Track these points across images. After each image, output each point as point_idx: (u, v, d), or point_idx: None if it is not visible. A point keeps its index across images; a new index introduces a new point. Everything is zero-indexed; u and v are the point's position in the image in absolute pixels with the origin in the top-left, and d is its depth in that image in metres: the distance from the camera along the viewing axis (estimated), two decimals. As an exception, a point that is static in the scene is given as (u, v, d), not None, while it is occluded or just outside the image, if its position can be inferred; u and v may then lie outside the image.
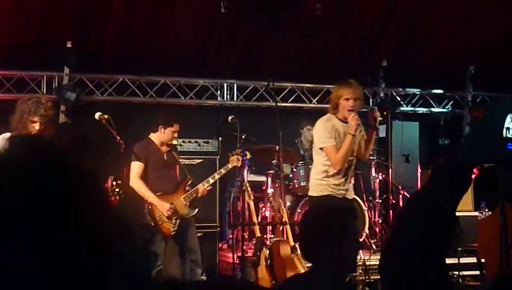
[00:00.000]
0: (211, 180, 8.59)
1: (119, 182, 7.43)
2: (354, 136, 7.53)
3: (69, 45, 10.80)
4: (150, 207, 8.19)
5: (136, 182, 8.21)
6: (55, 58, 10.92)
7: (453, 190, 2.14)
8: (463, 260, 9.68)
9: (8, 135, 7.52)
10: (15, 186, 1.46)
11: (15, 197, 1.44)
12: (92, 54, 11.26)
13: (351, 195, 7.98)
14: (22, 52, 10.82)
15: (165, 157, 8.49)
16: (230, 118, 8.84)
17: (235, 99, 12.29)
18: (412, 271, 2.13)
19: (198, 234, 9.01)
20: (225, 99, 12.23)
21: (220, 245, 10.45)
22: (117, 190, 7.42)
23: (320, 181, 7.76)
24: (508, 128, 2.06)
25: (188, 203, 8.41)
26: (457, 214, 8.18)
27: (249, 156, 9.05)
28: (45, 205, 1.43)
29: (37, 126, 7.35)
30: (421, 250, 2.11)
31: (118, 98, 11.64)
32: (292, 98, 12.46)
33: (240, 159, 8.66)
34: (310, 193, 8.01)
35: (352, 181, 8.10)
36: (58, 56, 10.91)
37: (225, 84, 12.25)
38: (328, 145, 7.60)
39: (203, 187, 8.65)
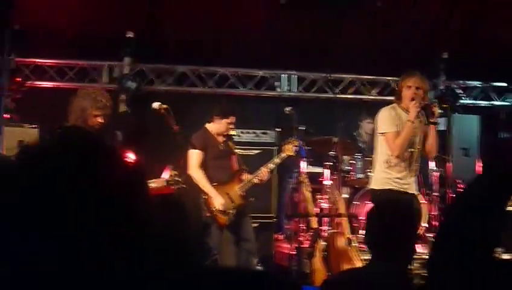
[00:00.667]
0: (265, 170, 8.58)
1: (176, 173, 7.48)
2: (413, 122, 7.54)
3: (129, 34, 10.91)
4: (206, 197, 8.23)
5: (195, 171, 8.26)
6: (117, 48, 11.05)
7: (503, 186, 2.13)
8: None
9: None
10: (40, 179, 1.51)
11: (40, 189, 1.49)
12: (153, 44, 11.36)
13: (413, 190, 7.91)
14: (83, 41, 10.97)
15: (221, 147, 8.53)
16: (287, 109, 8.83)
17: (294, 90, 12.27)
18: (462, 267, 2.13)
19: (255, 225, 9.04)
20: (284, 90, 12.23)
21: (277, 236, 10.47)
22: (176, 179, 7.48)
23: (382, 174, 7.76)
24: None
25: (243, 193, 8.43)
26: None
27: (296, 143, 8.97)
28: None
29: (100, 119, 7.37)
30: (470, 246, 2.11)
31: (178, 88, 11.74)
32: (352, 89, 12.40)
33: (294, 148, 8.62)
34: (372, 186, 8.03)
35: (415, 176, 8.00)
36: (119, 45, 11.04)
37: (284, 75, 12.24)
38: (389, 131, 7.64)
39: (265, 170, 8.63)
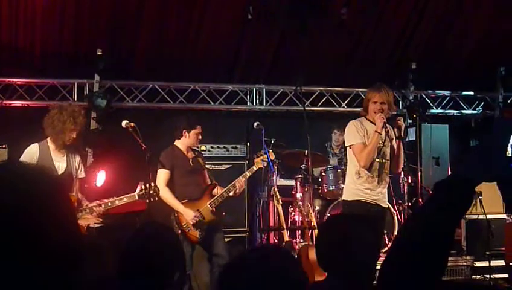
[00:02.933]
0: (237, 184, 8.57)
1: (151, 184, 7.55)
2: (380, 133, 7.64)
3: (99, 52, 10.92)
4: (176, 215, 8.22)
5: (162, 189, 8.24)
6: (86, 66, 11.06)
7: (453, 208, 2.14)
8: (493, 263, 9.69)
9: (35, 145, 7.67)
10: None
11: None
12: (122, 61, 11.38)
13: (384, 202, 7.98)
14: (53, 60, 10.97)
15: (191, 163, 8.50)
16: (255, 124, 8.85)
17: (264, 104, 12.33)
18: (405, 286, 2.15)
19: (228, 239, 9.04)
20: (254, 104, 12.28)
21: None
22: (149, 191, 7.55)
23: (352, 185, 7.85)
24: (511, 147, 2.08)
25: (214, 209, 8.42)
26: (489, 217, 8.21)
27: (273, 157, 9.01)
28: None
29: (74, 134, 7.62)
30: (413, 269, 2.13)
31: (148, 105, 11.75)
32: (321, 102, 12.47)
33: (263, 161, 8.64)
34: (343, 197, 8.10)
35: (386, 188, 8.03)
36: (88, 63, 11.04)
37: (254, 89, 12.30)
38: (355, 143, 7.76)
39: (242, 179, 8.62)
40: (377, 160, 7.78)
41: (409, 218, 2.29)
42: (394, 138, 7.83)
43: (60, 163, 7.72)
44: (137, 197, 7.79)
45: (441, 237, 2.14)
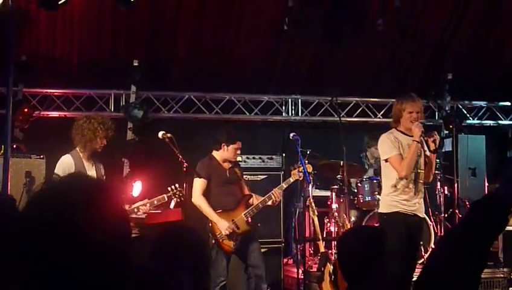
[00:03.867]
0: (273, 196, 8.57)
1: (177, 186, 7.65)
2: (419, 142, 7.60)
3: (135, 63, 10.99)
4: (211, 225, 8.24)
5: (198, 198, 8.28)
6: (123, 76, 11.13)
7: (489, 228, 2.14)
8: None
9: (68, 156, 7.74)
10: None
11: None
12: (158, 72, 11.44)
13: (422, 213, 7.98)
14: (90, 70, 11.07)
15: (228, 174, 8.52)
16: (291, 135, 8.84)
17: (299, 114, 12.34)
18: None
19: (263, 250, 9.03)
20: (290, 114, 12.30)
21: (286, 260, 10.47)
22: (178, 190, 7.65)
23: (388, 197, 7.82)
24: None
25: (249, 219, 8.42)
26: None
27: (310, 169, 8.99)
28: None
29: (105, 141, 7.81)
30: (448, 284, 2.12)
31: (184, 115, 11.80)
32: (357, 112, 12.45)
33: (299, 173, 8.62)
34: (380, 210, 8.07)
35: (422, 199, 8.01)
36: (125, 74, 11.12)
37: (290, 100, 12.32)
38: (392, 155, 7.72)
39: (278, 191, 8.62)
40: (414, 170, 7.75)
41: (445, 235, 2.28)
42: (428, 150, 7.78)
43: (91, 172, 7.80)
44: (166, 199, 7.90)
45: (476, 255, 2.14)
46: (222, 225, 8.19)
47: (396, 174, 7.73)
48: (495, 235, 2.20)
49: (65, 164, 7.69)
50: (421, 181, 7.86)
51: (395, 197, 7.75)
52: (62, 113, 11.24)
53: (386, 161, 7.81)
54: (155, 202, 7.89)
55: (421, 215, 7.94)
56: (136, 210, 7.84)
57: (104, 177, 8.08)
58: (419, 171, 7.81)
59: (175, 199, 8.25)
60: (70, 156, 7.77)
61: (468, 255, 2.12)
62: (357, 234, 4.34)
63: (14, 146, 10.06)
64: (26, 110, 10.71)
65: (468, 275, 2.12)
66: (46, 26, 10.64)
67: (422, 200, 7.95)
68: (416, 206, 7.79)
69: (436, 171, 10.66)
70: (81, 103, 11.33)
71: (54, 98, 11.25)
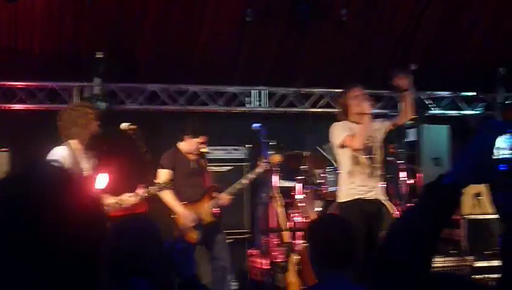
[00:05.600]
0: (237, 186, 8.59)
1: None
2: (370, 115, 7.86)
3: (99, 55, 10.92)
4: (174, 216, 8.24)
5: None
6: (86, 68, 11.05)
7: (440, 211, 2.16)
8: (494, 263, 9.68)
9: (62, 147, 7.48)
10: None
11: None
12: (122, 64, 11.38)
13: (382, 197, 8.11)
14: (53, 63, 10.97)
15: (192, 165, 8.53)
16: (254, 125, 8.85)
17: (264, 105, 12.35)
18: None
19: (229, 241, 9.05)
20: (254, 105, 12.30)
21: (251, 251, 10.50)
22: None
23: (345, 186, 7.97)
24: (498, 149, 2.07)
25: (214, 211, 8.42)
26: (489, 217, 8.23)
27: (279, 159, 9.02)
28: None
29: (98, 123, 7.59)
30: (399, 267, 2.14)
31: (149, 107, 11.75)
32: (322, 103, 12.47)
33: (267, 163, 8.64)
34: (338, 200, 8.18)
35: (381, 185, 8.16)
36: (88, 66, 11.04)
37: (254, 91, 12.32)
38: (343, 136, 7.88)
39: (226, 197, 8.63)
40: (365, 156, 7.92)
41: (398, 217, 2.31)
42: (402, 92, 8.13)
43: (85, 165, 7.61)
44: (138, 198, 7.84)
45: (427, 238, 2.16)
46: (186, 216, 8.18)
47: (350, 161, 7.88)
48: (447, 216, 2.22)
49: (60, 153, 7.32)
50: (376, 166, 7.98)
51: (352, 184, 7.88)
52: (25, 106, 11.12)
53: (340, 146, 7.93)
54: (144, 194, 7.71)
55: (381, 200, 8.03)
56: (120, 203, 7.69)
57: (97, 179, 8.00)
58: (371, 156, 7.95)
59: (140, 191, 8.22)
60: (65, 148, 7.42)
61: (419, 237, 2.14)
62: (328, 223, 4.41)
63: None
64: (-13, 103, 10.62)
65: (419, 258, 2.14)
66: (7, 18, 10.53)
67: (380, 184, 8.09)
68: (374, 190, 7.93)
69: (399, 161, 10.77)
70: (44, 95, 11.22)
71: (16, 91, 11.13)
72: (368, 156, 7.92)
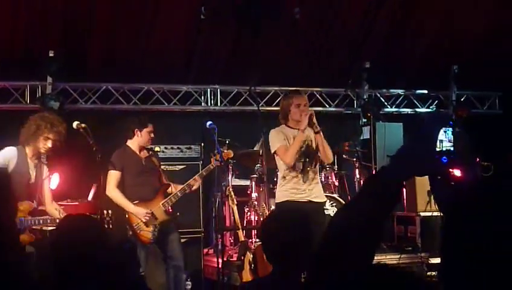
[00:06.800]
0: (192, 183, 8.52)
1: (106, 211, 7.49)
2: (303, 131, 8.04)
3: (51, 54, 10.81)
4: (127, 216, 8.15)
5: (111, 191, 8.16)
6: (38, 68, 10.94)
7: (381, 203, 2.16)
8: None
9: (13, 149, 7.58)
10: None
11: None
12: (74, 63, 11.27)
13: (318, 197, 8.35)
14: (4, 62, 10.83)
15: (144, 163, 8.44)
16: (208, 124, 8.82)
17: (219, 104, 12.33)
18: (334, 279, 2.15)
19: (183, 240, 8.99)
20: (209, 104, 12.27)
21: (206, 250, 10.46)
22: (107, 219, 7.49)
23: (280, 188, 8.31)
24: (441, 141, 2.07)
25: (167, 209, 8.35)
26: (430, 214, 8.29)
27: (231, 155, 9.05)
28: None
29: (49, 143, 7.63)
30: (344, 259, 2.14)
31: (102, 106, 11.66)
32: (276, 101, 12.44)
33: (218, 160, 8.61)
34: (275, 200, 8.50)
35: (318, 184, 8.38)
36: (41, 65, 10.92)
37: (209, 90, 12.29)
38: (277, 147, 8.17)
39: (196, 181, 8.56)
40: (301, 161, 8.17)
41: (340, 208, 2.30)
42: (314, 133, 8.17)
43: (31, 171, 7.66)
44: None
45: (369, 230, 2.16)
46: (139, 213, 8.11)
47: (284, 167, 8.22)
48: (387, 210, 2.21)
49: (7, 153, 7.53)
50: (310, 169, 8.23)
51: (285, 187, 8.21)
52: (-24, 105, 11.01)
53: (275, 153, 8.24)
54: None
55: (317, 200, 8.29)
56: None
57: (49, 180, 8.03)
58: (304, 160, 8.19)
59: (93, 190, 8.14)
60: (16, 149, 7.60)
61: (360, 229, 2.14)
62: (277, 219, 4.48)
63: None
64: None
65: (360, 251, 2.14)
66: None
67: (316, 186, 8.32)
68: (307, 192, 8.18)
69: (354, 159, 10.84)
70: (-4, 94, 11.11)
71: (-33, 89, 11.01)
72: (301, 161, 8.17)
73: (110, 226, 7.25)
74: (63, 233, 3.70)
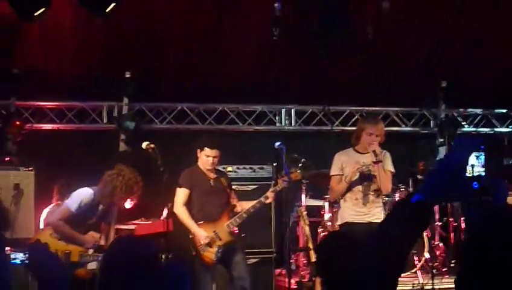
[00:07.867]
0: (258, 205, 8.44)
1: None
2: (376, 163, 7.96)
3: (127, 75, 10.98)
4: (192, 236, 8.15)
5: (178, 209, 8.19)
6: (115, 89, 11.12)
7: (410, 228, 2.12)
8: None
9: (91, 193, 7.73)
10: None
11: None
12: (151, 83, 11.43)
13: (380, 219, 8.08)
14: (82, 83, 11.05)
15: (212, 183, 8.41)
16: (276, 144, 8.75)
17: (293, 124, 12.31)
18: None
19: (254, 260, 8.98)
20: (283, 124, 12.27)
21: (279, 271, 10.40)
22: None
23: (341, 210, 8.45)
24: (473, 166, 2.02)
25: (232, 229, 8.28)
26: None
27: (298, 177, 8.94)
28: None
29: (123, 201, 7.98)
30: (369, 280, 2.11)
31: (177, 126, 11.79)
32: (351, 121, 12.36)
33: (286, 181, 8.53)
34: (336, 222, 8.72)
35: (379, 208, 8.25)
36: (117, 86, 11.11)
37: (283, 110, 12.29)
38: (332, 175, 8.34)
39: (262, 201, 8.49)
40: (359, 185, 8.14)
41: (371, 234, 2.26)
42: (373, 163, 8.04)
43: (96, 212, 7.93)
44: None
45: (394, 253, 2.12)
46: (200, 235, 8.09)
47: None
48: (418, 233, 2.18)
49: (84, 196, 7.73)
50: (371, 193, 8.14)
51: (345, 209, 8.26)
52: (55, 126, 11.27)
53: (330, 177, 8.36)
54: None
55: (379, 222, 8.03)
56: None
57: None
58: (368, 183, 8.12)
59: (166, 210, 8.20)
60: (93, 193, 7.79)
61: (390, 253, 2.11)
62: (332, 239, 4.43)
63: (7, 159, 10.08)
64: (18, 123, 10.69)
65: (385, 276, 2.11)
66: (38, 39, 10.63)
67: (377, 209, 8.19)
68: (366, 215, 8.10)
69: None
70: (73, 115, 11.35)
71: (47, 110, 11.25)
72: (362, 185, 8.11)
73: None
74: (112, 254, 3.71)
